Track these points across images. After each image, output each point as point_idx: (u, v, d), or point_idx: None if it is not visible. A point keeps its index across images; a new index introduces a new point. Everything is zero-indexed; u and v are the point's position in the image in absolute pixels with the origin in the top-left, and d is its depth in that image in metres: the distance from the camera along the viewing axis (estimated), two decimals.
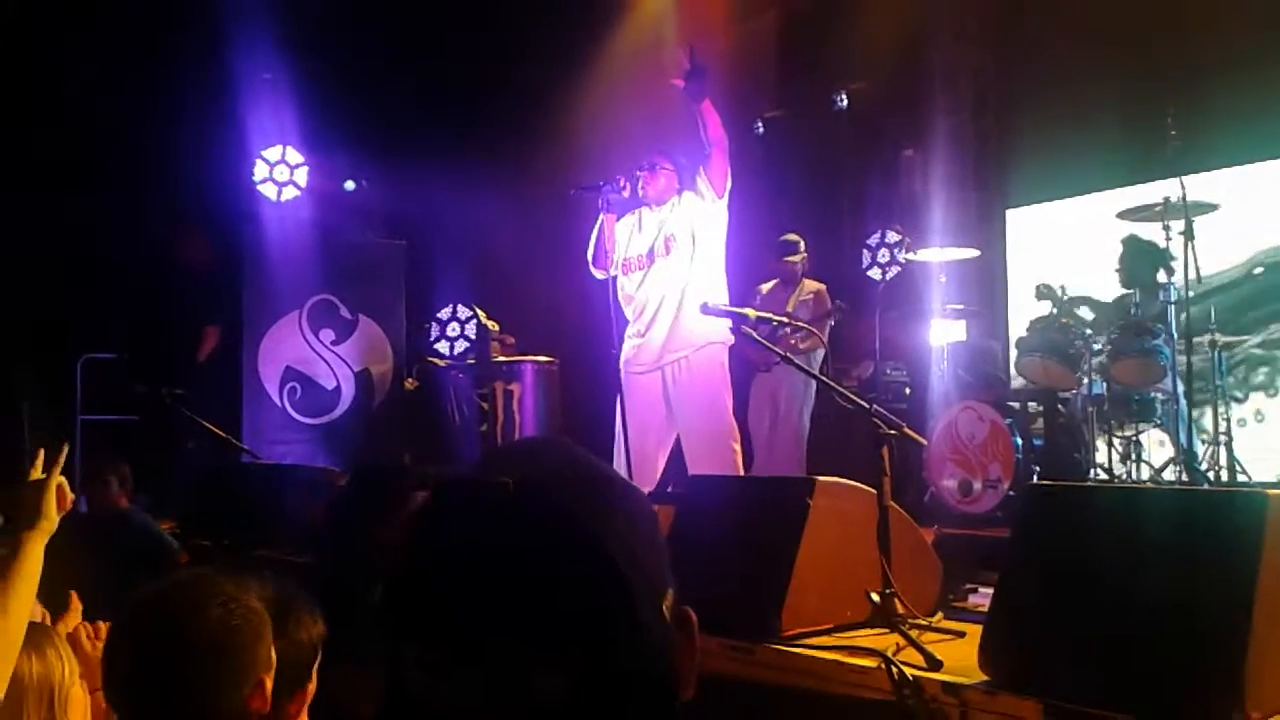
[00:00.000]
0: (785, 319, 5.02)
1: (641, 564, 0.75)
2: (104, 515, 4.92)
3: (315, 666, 1.75)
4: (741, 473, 4.83)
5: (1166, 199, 5.35)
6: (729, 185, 4.79)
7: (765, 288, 6.67)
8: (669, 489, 4.96)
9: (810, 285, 6.55)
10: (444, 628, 0.74)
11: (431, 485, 0.80)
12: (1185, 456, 5.22)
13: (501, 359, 8.06)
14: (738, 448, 4.81)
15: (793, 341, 5.75)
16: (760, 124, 8.82)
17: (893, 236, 8.16)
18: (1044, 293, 5.70)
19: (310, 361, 7.89)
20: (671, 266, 4.84)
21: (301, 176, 8.45)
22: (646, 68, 4.82)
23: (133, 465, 5.11)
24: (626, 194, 4.90)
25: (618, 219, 4.99)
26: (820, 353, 5.94)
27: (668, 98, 4.90)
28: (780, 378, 6.32)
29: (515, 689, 0.70)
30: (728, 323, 4.67)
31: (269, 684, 1.63)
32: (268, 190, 8.32)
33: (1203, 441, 5.61)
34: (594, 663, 0.71)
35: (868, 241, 8.48)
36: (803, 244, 6.71)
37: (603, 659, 0.72)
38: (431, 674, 0.73)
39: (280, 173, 8.41)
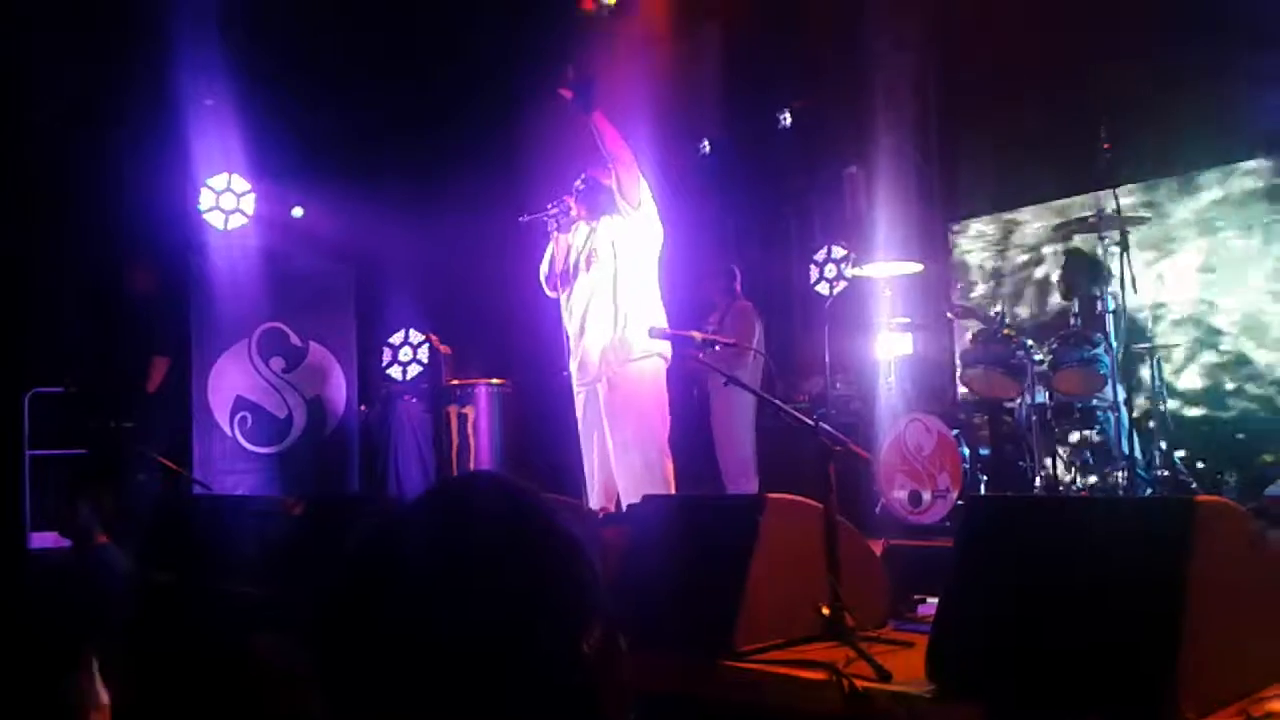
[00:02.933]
0: (726, 340, 5.07)
1: (550, 605, 0.79)
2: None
3: None
4: (672, 487, 4.82)
5: (1101, 211, 5.50)
6: (641, 194, 4.77)
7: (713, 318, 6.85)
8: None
9: (739, 305, 6.73)
10: (358, 668, 0.78)
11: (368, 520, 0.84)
12: (1128, 462, 5.35)
13: (455, 382, 8.07)
14: (668, 463, 4.80)
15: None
16: (706, 143, 8.93)
17: (839, 252, 8.29)
18: (966, 313, 5.85)
19: (261, 390, 7.84)
20: (593, 281, 4.86)
21: (248, 204, 8.41)
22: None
23: (91, 497, 5.03)
24: (573, 214, 4.94)
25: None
26: (745, 369, 6.07)
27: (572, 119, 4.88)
28: (719, 398, 6.48)
29: None
30: (664, 341, 4.73)
31: None
32: (214, 218, 8.27)
33: (1145, 447, 5.74)
34: (490, 706, 0.76)
35: (815, 257, 8.61)
36: (735, 270, 6.91)
37: (497, 705, 0.76)
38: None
39: (226, 200, 8.36)
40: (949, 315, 6.71)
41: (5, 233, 7.44)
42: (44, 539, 6.89)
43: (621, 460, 4.70)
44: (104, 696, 1.92)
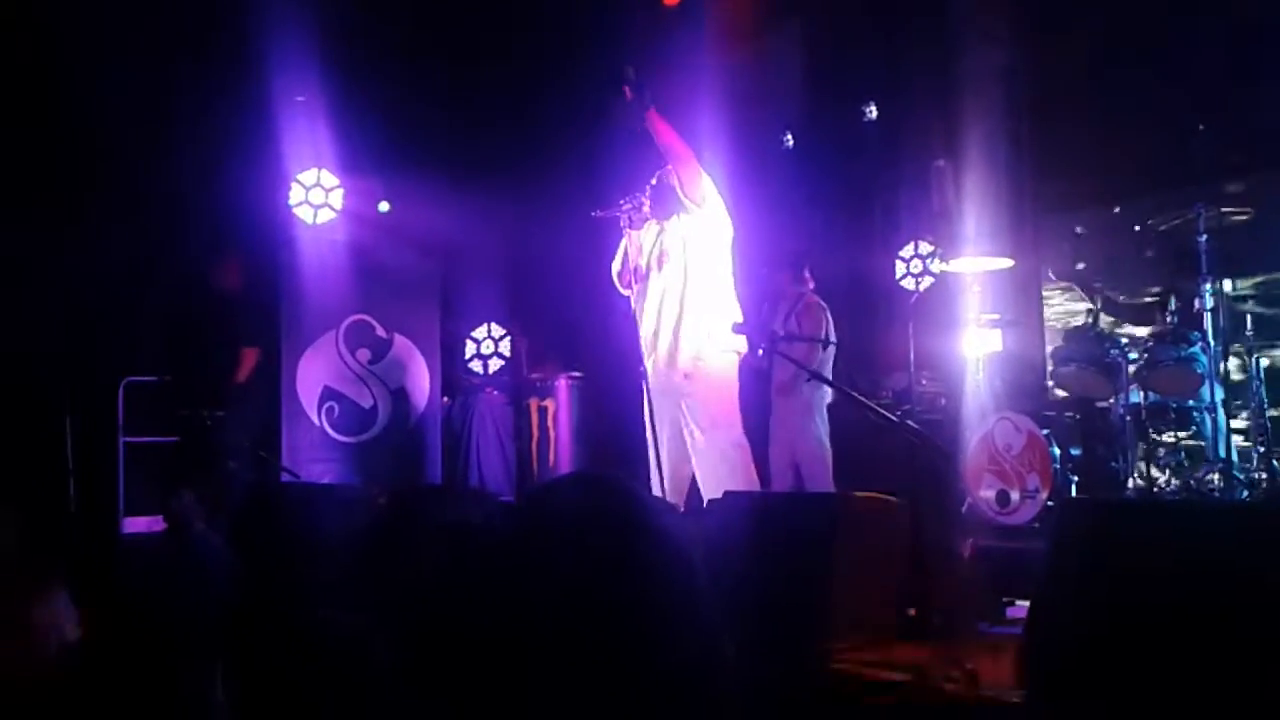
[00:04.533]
0: (808, 336, 5.03)
1: (656, 618, 0.77)
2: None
3: None
4: (756, 482, 4.80)
5: (1199, 207, 5.33)
6: (704, 190, 4.75)
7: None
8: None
9: (812, 303, 6.59)
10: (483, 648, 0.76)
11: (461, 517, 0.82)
12: (1224, 465, 5.18)
13: (535, 375, 8.12)
14: (749, 460, 4.78)
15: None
16: (790, 136, 8.84)
17: (925, 247, 8.15)
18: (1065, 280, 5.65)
19: (347, 380, 7.97)
20: (665, 281, 4.86)
21: (336, 199, 8.54)
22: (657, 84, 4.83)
23: (175, 487, 5.15)
24: (645, 211, 4.94)
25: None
26: (819, 363, 5.98)
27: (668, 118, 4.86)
28: (793, 394, 6.33)
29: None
30: (739, 337, 4.70)
31: None
32: (303, 213, 8.42)
33: (1241, 450, 5.55)
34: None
35: (900, 253, 8.47)
36: (803, 260, 6.75)
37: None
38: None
39: (315, 195, 8.50)
40: (1051, 278, 6.47)
41: (102, 227, 7.65)
42: (136, 524, 7.08)
43: (701, 456, 4.69)
44: (220, 694, 1.95)
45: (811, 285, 6.64)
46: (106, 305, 7.69)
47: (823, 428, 6.37)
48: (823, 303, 6.58)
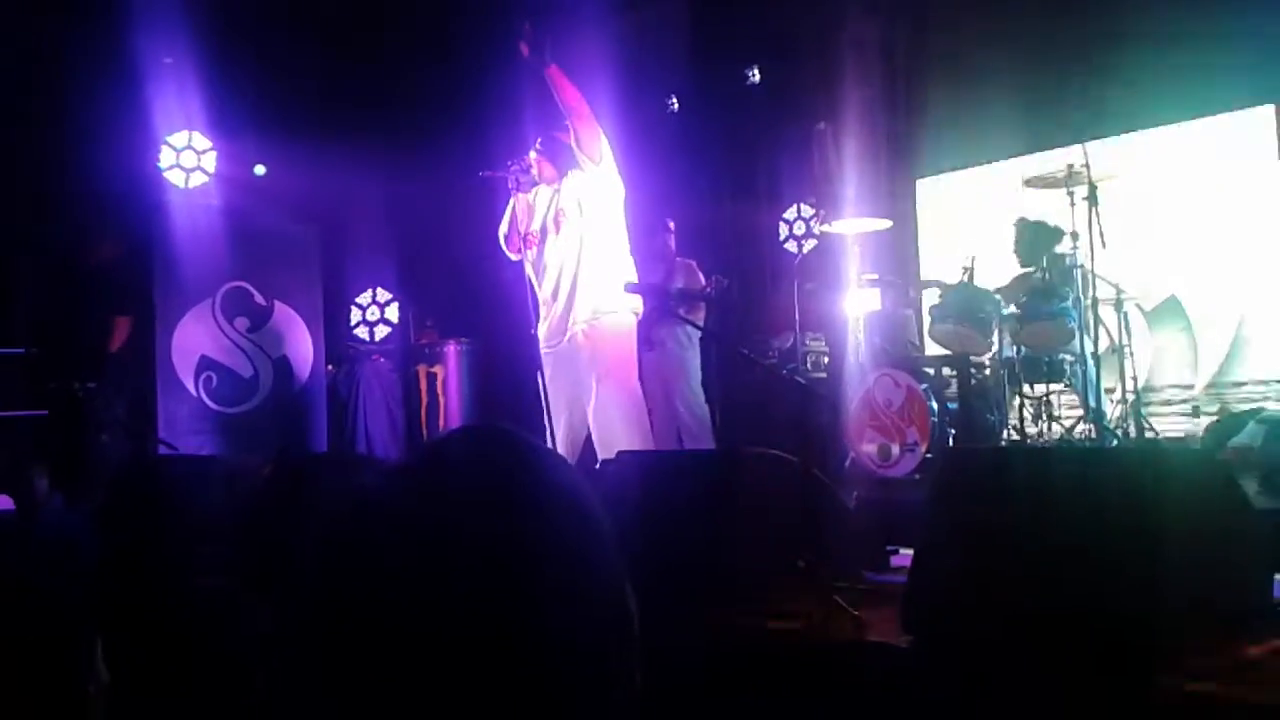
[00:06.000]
0: (699, 291, 5.07)
1: (557, 573, 0.76)
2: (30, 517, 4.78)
3: None
4: (649, 434, 4.84)
5: (1070, 166, 5.52)
6: (602, 149, 4.74)
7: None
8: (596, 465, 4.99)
9: (682, 262, 6.67)
10: (368, 638, 0.73)
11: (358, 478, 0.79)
12: (1094, 416, 5.40)
13: (424, 341, 8.02)
14: (646, 418, 4.83)
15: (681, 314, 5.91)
16: (674, 101, 8.86)
17: (808, 210, 8.28)
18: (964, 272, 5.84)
19: (225, 350, 7.76)
20: (562, 241, 4.85)
21: (209, 162, 8.28)
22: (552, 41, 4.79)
23: (46, 462, 4.97)
24: (534, 174, 4.91)
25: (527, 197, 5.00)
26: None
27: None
28: (673, 351, 6.44)
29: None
30: (635, 296, 4.73)
31: None
32: (175, 177, 8.14)
33: (1111, 400, 5.80)
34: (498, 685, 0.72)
35: (784, 215, 8.59)
36: (671, 224, 6.82)
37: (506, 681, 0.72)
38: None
39: (187, 159, 8.23)
40: (911, 293, 6.78)
41: None
42: (3, 501, 6.81)
43: (601, 418, 4.70)
44: (104, 674, 1.88)
45: (673, 246, 6.71)
46: None
47: (697, 386, 6.47)
48: (695, 265, 6.67)
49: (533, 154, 4.90)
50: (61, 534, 4.66)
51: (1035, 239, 5.91)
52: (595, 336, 4.76)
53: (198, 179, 8.18)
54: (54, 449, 6.20)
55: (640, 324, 5.01)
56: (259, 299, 7.87)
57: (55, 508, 4.83)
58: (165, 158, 8.09)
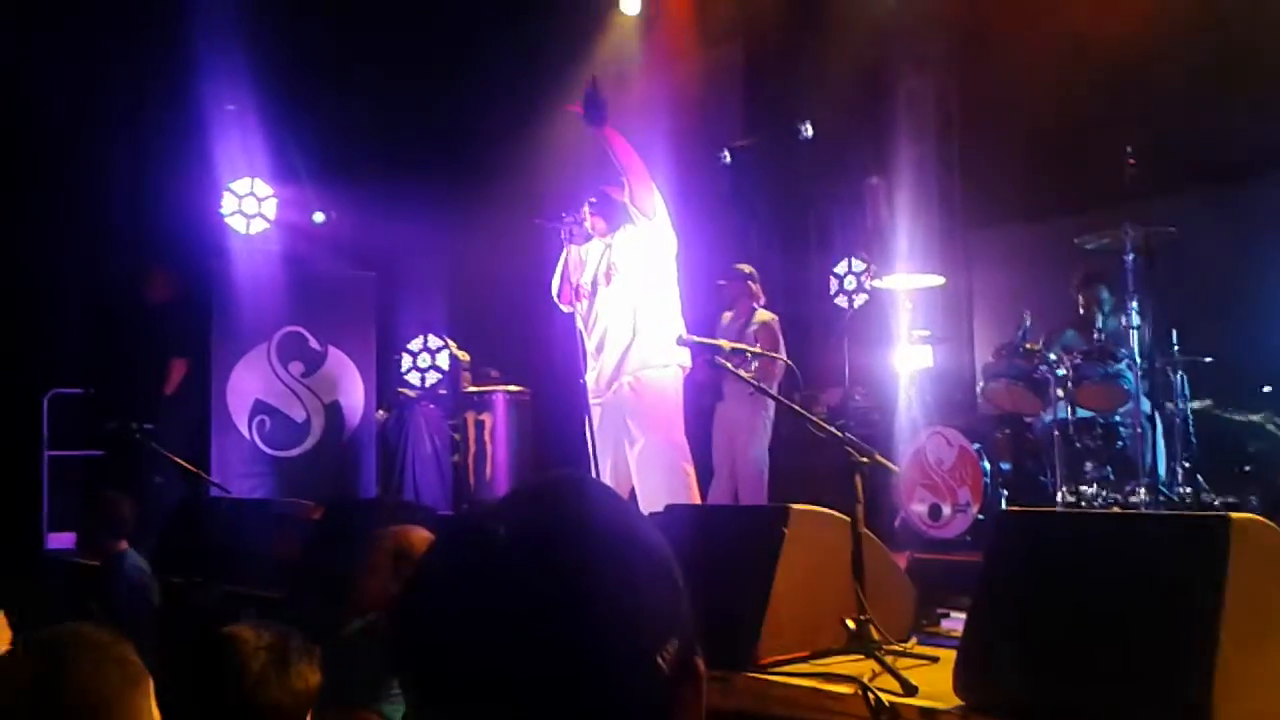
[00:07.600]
0: (756, 350, 5.07)
1: (628, 620, 0.76)
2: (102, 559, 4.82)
3: (309, 713, 1.73)
4: (696, 496, 4.82)
5: (1125, 226, 5.45)
6: (655, 204, 4.78)
7: (726, 317, 6.74)
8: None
9: (761, 315, 6.63)
10: (430, 682, 0.76)
11: (434, 530, 0.81)
12: (1151, 479, 5.30)
13: (473, 389, 8.07)
14: (690, 470, 4.81)
15: (752, 370, 5.84)
16: (727, 153, 8.91)
17: (859, 264, 8.26)
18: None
19: (279, 394, 7.84)
20: (613, 295, 4.87)
21: (270, 209, 8.44)
22: (610, 100, 4.86)
23: (99, 501, 5.02)
24: (587, 227, 4.95)
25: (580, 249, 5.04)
26: (774, 381, 6.03)
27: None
28: (738, 407, 6.39)
29: None
30: (684, 350, 4.74)
31: None
32: (236, 223, 8.31)
33: (1168, 463, 5.68)
34: None
35: (835, 269, 8.58)
36: (755, 274, 6.79)
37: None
38: None
39: (249, 205, 8.40)
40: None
41: (29, 235, 7.48)
42: (61, 540, 6.91)
43: (644, 470, 4.69)
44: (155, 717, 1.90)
45: (763, 300, 6.71)
46: (31, 316, 7.51)
47: (765, 447, 6.43)
48: (775, 316, 6.64)
49: (586, 208, 4.95)
50: (134, 578, 4.71)
51: (1091, 298, 5.85)
52: (641, 390, 4.76)
53: (258, 225, 8.34)
54: (112, 492, 6.31)
55: (711, 375, 4.99)
56: (314, 344, 7.97)
57: (128, 554, 4.88)
58: (228, 204, 8.27)
